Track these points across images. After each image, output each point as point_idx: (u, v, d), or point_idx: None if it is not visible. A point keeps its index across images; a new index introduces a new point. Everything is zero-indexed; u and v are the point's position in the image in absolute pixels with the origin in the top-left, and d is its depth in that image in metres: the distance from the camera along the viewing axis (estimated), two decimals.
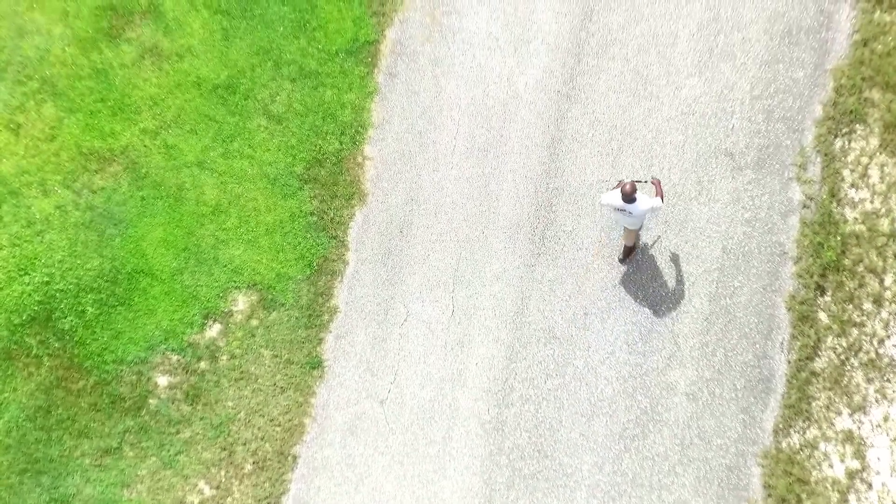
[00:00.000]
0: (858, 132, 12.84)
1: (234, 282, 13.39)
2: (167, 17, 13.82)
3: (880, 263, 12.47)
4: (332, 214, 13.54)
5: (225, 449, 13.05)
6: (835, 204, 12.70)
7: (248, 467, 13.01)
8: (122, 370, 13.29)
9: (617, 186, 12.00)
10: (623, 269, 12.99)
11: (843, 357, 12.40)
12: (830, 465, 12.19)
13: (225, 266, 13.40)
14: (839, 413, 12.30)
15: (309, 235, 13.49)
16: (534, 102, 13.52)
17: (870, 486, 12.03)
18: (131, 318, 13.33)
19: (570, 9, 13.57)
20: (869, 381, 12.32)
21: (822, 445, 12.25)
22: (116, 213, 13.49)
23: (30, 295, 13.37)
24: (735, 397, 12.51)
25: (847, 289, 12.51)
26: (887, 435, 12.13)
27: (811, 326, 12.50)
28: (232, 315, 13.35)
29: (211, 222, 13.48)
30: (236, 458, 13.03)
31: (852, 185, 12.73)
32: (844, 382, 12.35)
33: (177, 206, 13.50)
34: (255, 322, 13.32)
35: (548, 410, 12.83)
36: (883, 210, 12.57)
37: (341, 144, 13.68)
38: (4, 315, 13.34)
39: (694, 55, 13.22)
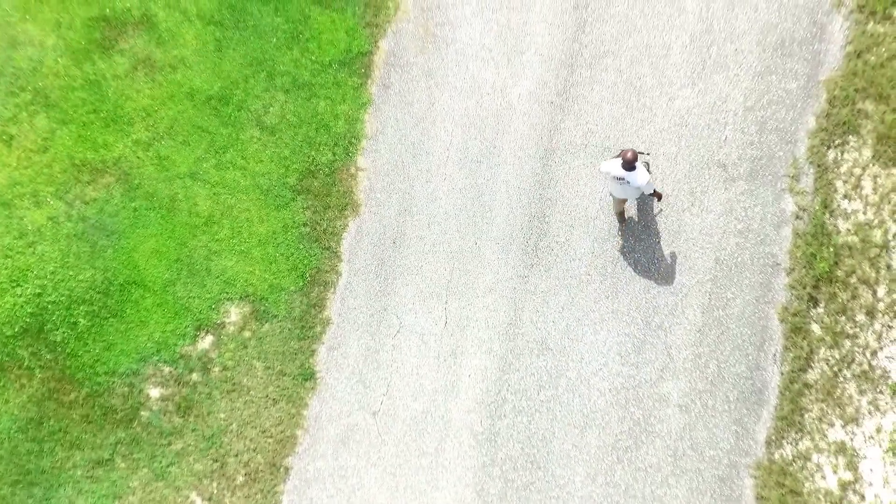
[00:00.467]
0: (851, 143, 13.03)
1: (227, 293, 13.56)
2: (160, 28, 14.02)
3: (873, 275, 12.65)
4: (324, 225, 13.72)
5: (217, 461, 13.21)
6: (827, 215, 12.89)
7: (240, 479, 13.17)
8: (113, 382, 13.45)
9: (618, 155, 12.17)
10: (616, 277, 13.17)
11: (835, 369, 12.58)
12: (823, 477, 12.35)
13: (217, 277, 13.57)
14: (832, 424, 12.48)
15: (302, 246, 13.67)
16: (527, 113, 13.71)
17: (862, 497, 12.20)
18: (123, 329, 13.49)
19: (563, 20, 13.77)
20: (862, 392, 12.49)
21: (814, 457, 12.42)
22: (109, 224, 13.67)
23: (22, 307, 13.54)
24: (728, 409, 12.68)
25: (840, 300, 12.69)
26: (880, 446, 12.31)
27: (804, 338, 12.68)
28: (224, 327, 13.52)
29: (203, 233, 13.65)
30: (228, 470, 13.19)
31: (845, 197, 12.92)
32: (837, 394, 12.52)
33: (169, 217, 13.68)
34: (247, 333, 13.49)
35: (541, 422, 12.99)
36: (876, 221, 12.76)
37: (334, 155, 13.87)
38: None
39: (687, 66, 13.43)
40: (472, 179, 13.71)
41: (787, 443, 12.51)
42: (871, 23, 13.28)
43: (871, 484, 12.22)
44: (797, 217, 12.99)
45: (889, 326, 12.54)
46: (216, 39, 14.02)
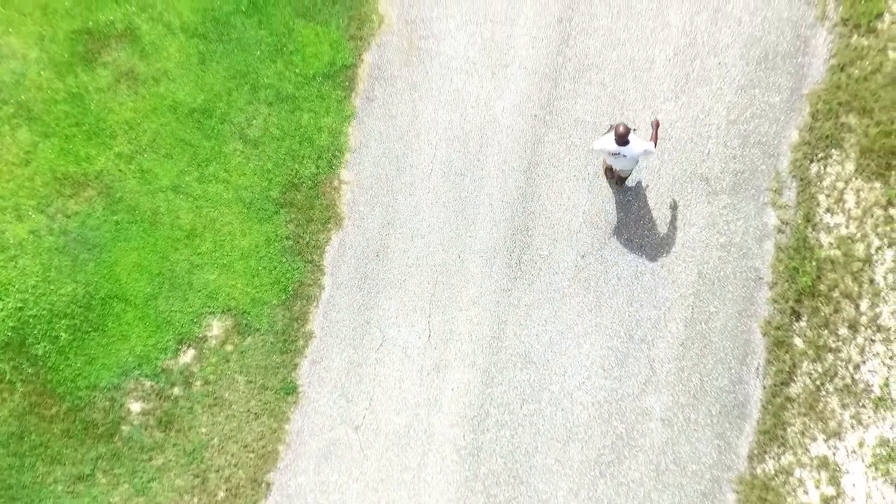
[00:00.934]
0: (834, 157, 13.21)
1: (209, 307, 13.69)
2: (143, 40, 14.17)
3: (856, 289, 12.82)
4: (307, 239, 13.86)
5: (198, 476, 13.31)
6: (810, 229, 13.06)
7: (222, 494, 13.28)
8: (95, 396, 13.55)
9: (609, 130, 12.31)
10: (599, 291, 13.31)
11: (818, 382, 12.73)
12: (805, 492, 12.49)
13: (199, 291, 13.69)
14: (814, 439, 12.62)
15: (284, 260, 13.81)
16: (511, 127, 13.87)
17: None
18: (105, 343, 13.61)
19: (547, 34, 13.94)
20: (844, 406, 12.64)
21: (797, 471, 12.57)
22: (90, 237, 13.79)
23: (3, 321, 13.64)
24: (710, 423, 12.83)
25: (822, 314, 12.85)
26: (862, 461, 12.45)
27: (786, 352, 12.84)
28: (206, 340, 13.64)
29: (185, 247, 13.78)
30: (209, 486, 13.30)
31: (828, 210, 13.09)
32: (819, 408, 12.67)
33: (151, 230, 13.81)
34: (229, 347, 13.61)
35: (523, 436, 13.13)
36: (858, 235, 12.93)
37: (318, 168, 14.01)
38: None
39: (670, 80, 13.60)
40: (456, 192, 13.86)
41: (770, 457, 12.65)
42: (855, 36, 13.46)
43: (853, 499, 12.37)
44: (780, 231, 13.15)
45: (871, 340, 12.70)
46: (200, 52, 14.17)
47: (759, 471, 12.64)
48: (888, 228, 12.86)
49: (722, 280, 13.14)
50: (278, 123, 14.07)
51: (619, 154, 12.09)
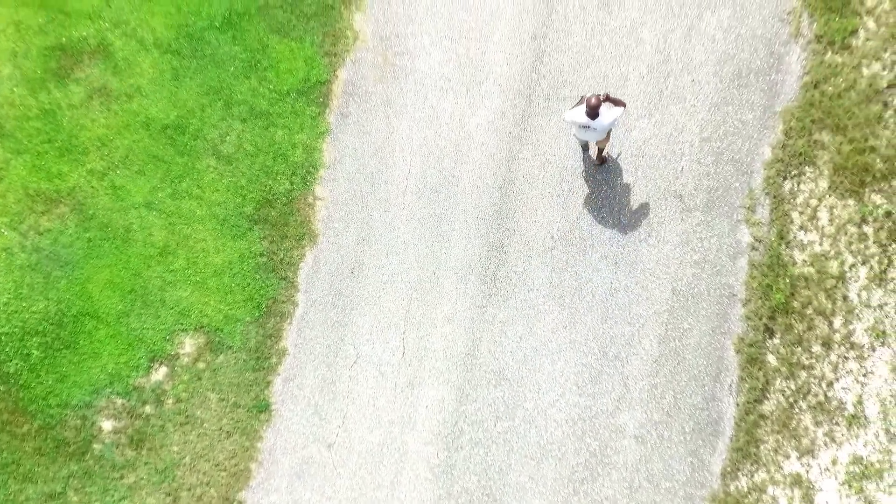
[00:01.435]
0: (808, 174, 13.37)
1: (181, 324, 13.77)
2: (116, 56, 14.28)
3: (829, 306, 12.97)
4: (281, 255, 13.97)
5: (169, 494, 13.38)
6: (784, 246, 13.21)
7: None
8: (66, 414, 13.62)
9: (579, 103, 12.43)
10: (573, 307, 13.43)
11: (791, 400, 12.87)
12: None
13: (172, 308, 13.78)
14: (787, 456, 12.75)
15: (258, 277, 13.91)
16: (485, 143, 14.02)
17: None
18: (76, 361, 13.68)
19: (522, 51, 14.10)
20: (817, 424, 12.78)
21: (770, 489, 12.69)
22: (63, 255, 13.87)
23: None
24: (683, 440, 12.95)
25: (796, 331, 12.99)
26: (835, 479, 12.58)
27: (760, 369, 12.98)
28: (178, 358, 13.72)
29: (158, 264, 13.88)
30: None
31: (801, 228, 13.25)
32: (793, 426, 12.81)
33: (124, 247, 13.90)
34: (201, 365, 13.70)
35: (497, 454, 13.23)
36: (832, 252, 13.09)
37: (292, 185, 14.13)
38: None
39: (644, 97, 13.76)
40: (431, 209, 13.98)
41: (743, 475, 12.78)
42: (830, 53, 13.64)
43: None
44: (753, 248, 13.31)
45: (845, 358, 12.84)
46: (173, 68, 14.29)
47: (732, 488, 12.76)
48: (862, 246, 13.01)
49: (696, 297, 13.28)
50: (252, 139, 14.19)
51: (588, 127, 12.23)
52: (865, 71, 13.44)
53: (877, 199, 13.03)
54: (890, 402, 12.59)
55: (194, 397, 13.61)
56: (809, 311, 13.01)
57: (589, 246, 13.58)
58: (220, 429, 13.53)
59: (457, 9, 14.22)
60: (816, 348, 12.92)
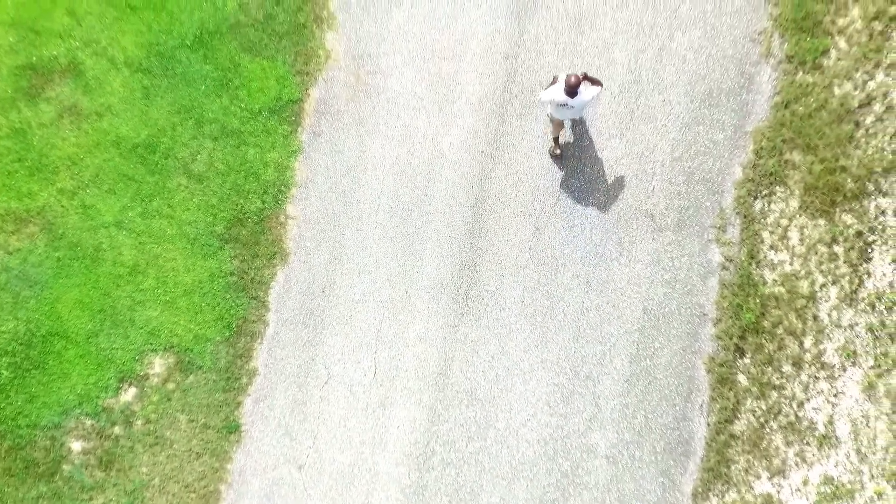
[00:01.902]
0: (778, 194, 13.50)
1: (151, 344, 13.80)
2: (87, 75, 14.33)
3: (799, 326, 13.08)
4: (252, 274, 14.02)
5: None
6: (754, 266, 13.33)
7: None
8: (35, 435, 13.62)
9: (553, 82, 12.51)
10: (545, 327, 13.51)
11: (762, 420, 12.97)
12: None
13: (141, 328, 13.81)
14: (758, 476, 12.85)
15: (228, 296, 13.95)
16: (458, 162, 14.11)
17: None
18: (46, 381, 13.69)
19: (494, 70, 14.21)
20: (788, 444, 12.88)
21: None
22: (32, 274, 13.90)
23: None
24: (655, 460, 13.04)
25: (766, 351, 13.10)
26: (806, 499, 12.67)
27: (730, 389, 13.08)
28: (148, 378, 13.75)
29: (128, 283, 13.91)
30: None
31: (771, 247, 13.37)
32: (763, 445, 12.91)
33: (93, 267, 13.93)
34: (171, 385, 13.72)
35: (469, 474, 13.29)
36: (802, 272, 13.21)
37: (263, 203, 14.19)
38: None
39: (615, 117, 13.88)
40: (403, 228, 14.06)
41: (714, 495, 12.86)
42: (801, 73, 13.78)
43: None
44: (724, 267, 13.43)
45: (815, 377, 12.96)
46: (144, 87, 14.34)
47: None
48: (832, 265, 13.14)
49: (667, 316, 13.38)
50: (223, 158, 14.25)
51: (566, 105, 12.35)
52: (837, 90, 13.58)
53: (847, 218, 13.15)
54: (861, 422, 12.69)
55: (164, 418, 13.63)
56: (780, 330, 13.13)
57: (561, 265, 13.68)
58: (190, 450, 13.55)
59: (429, 28, 14.33)
60: (787, 368, 13.04)
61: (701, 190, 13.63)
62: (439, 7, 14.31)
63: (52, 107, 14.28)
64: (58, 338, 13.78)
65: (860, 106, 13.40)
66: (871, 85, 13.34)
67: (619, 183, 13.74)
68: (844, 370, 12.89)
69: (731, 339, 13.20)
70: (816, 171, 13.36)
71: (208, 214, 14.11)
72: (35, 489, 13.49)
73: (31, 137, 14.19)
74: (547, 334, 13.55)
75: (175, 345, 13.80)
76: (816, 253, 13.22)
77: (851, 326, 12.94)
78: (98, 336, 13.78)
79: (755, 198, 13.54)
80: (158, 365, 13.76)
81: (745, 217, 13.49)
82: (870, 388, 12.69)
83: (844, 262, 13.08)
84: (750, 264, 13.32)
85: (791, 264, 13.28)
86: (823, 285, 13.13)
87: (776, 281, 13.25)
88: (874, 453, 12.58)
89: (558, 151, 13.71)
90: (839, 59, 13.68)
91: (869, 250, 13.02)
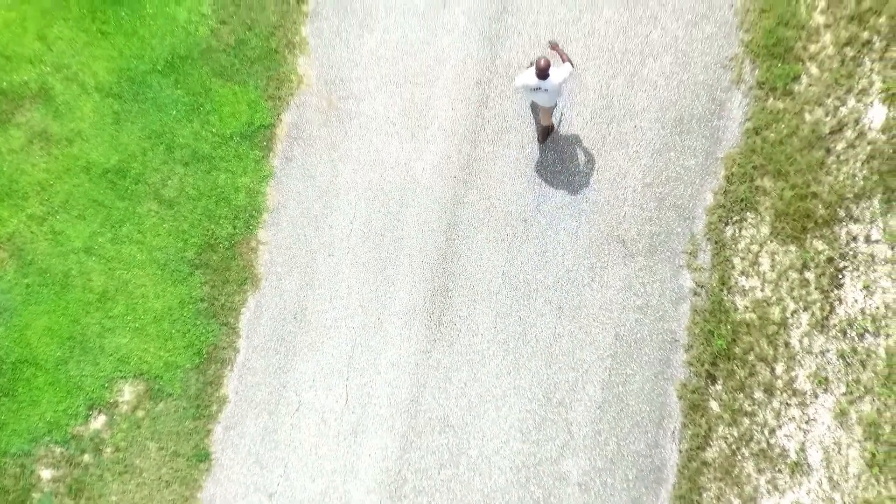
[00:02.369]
0: (749, 220, 13.60)
1: (121, 371, 13.80)
2: (57, 100, 14.36)
3: (771, 352, 13.17)
4: (223, 300, 14.04)
5: None
6: (725, 292, 13.42)
7: None
8: (5, 462, 13.59)
9: (530, 66, 12.68)
10: (518, 352, 13.57)
11: (734, 447, 13.04)
12: None
13: (111, 355, 13.82)
14: None
15: (199, 322, 13.97)
16: (430, 187, 14.17)
17: None
18: (15, 409, 13.67)
19: (467, 95, 14.29)
20: (760, 471, 12.95)
21: None
22: (1, 301, 13.88)
23: None
24: (626, 487, 13.09)
25: (738, 377, 13.18)
26: None
27: (702, 415, 13.15)
28: (117, 406, 13.74)
29: (97, 310, 13.91)
30: None
31: (743, 273, 13.47)
32: (735, 473, 12.97)
33: (63, 293, 13.93)
34: (140, 413, 13.72)
35: (441, 502, 13.31)
36: (773, 298, 13.30)
37: (235, 229, 14.22)
38: None
39: (587, 142, 13.97)
40: (376, 253, 14.11)
41: None
42: (771, 99, 13.88)
43: None
44: (695, 293, 13.51)
45: (787, 404, 13.04)
46: (114, 112, 14.37)
47: None
48: (803, 292, 13.23)
49: (639, 342, 13.45)
50: (194, 183, 14.28)
51: (540, 88, 12.60)
52: (808, 117, 13.68)
53: (818, 244, 13.25)
54: (833, 449, 12.78)
55: (133, 446, 13.62)
56: (751, 357, 13.21)
57: (533, 290, 13.74)
58: (160, 478, 13.54)
59: (402, 53, 14.41)
60: (759, 395, 13.11)
61: (672, 216, 13.72)
62: (412, 32, 14.39)
63: (22, 132, 14.30)
64: (27, 365, 13.77)
65: (831, 132, 13.50)
66: (843, 111, 13.45)
67: (591, 208, 13.83)
68: (816, 397, 12.98)
69: (702, 365, 13.28)
70: (787, 198, 13.45)
71: (179, 240, 14.14)
72: None
73: (1, 163, 14.21)
74: (520, 360, 13.61)
75: (145, 372, 13.80)
76: (787, 279, 13.31)
77: (823, 353, 13.03)
78: (67, 363, 13.78)
79: (726, 224, 13.63)
80: (128, 392, 13.76)
81: (716, 243, 13.58)
82: (842, 414, 12.78)
83: (816, 288, 13.18)
84: (721, 290, 13.41)
85: (762, 290, 13.37)
86: (795, 311, 13.22)
87: (747, 307, 13.34)
88: (846, 481, 12.65)
89: (542, 141, 13.88)
90: (810, 85, 13.79)
91: (840, 276, 13.11)
